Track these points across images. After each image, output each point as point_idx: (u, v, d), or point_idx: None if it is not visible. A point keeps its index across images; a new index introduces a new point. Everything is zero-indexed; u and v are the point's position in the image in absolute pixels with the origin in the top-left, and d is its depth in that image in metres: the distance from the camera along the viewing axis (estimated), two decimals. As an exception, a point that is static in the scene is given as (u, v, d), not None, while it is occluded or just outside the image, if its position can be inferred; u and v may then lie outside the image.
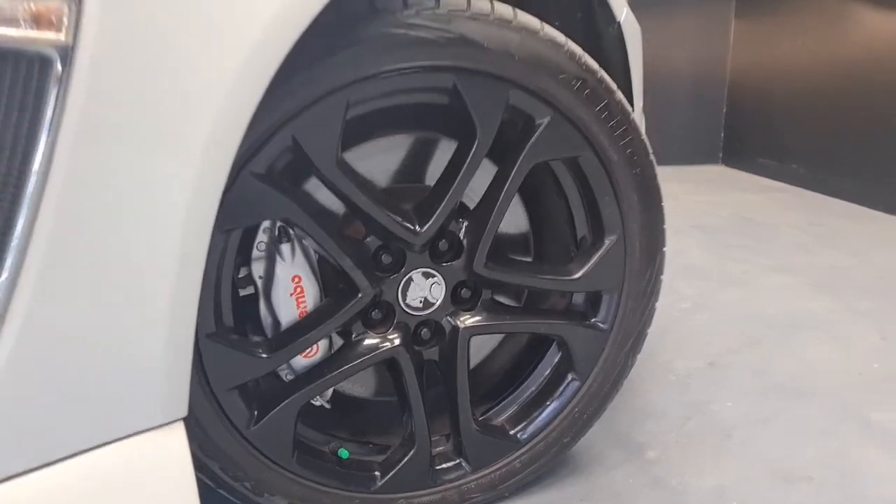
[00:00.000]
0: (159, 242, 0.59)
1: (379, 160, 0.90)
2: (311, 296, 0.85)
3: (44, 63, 0.52)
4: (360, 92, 0.75)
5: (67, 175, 0.54)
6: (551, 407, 0.98)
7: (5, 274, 0.54)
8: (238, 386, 0.80)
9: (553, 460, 1.00)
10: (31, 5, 0.51)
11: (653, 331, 1.00)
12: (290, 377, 0.87)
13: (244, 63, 0.60)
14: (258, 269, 0.83)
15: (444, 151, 0.91)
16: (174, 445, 0.66)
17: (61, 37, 0.52)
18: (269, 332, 0.85)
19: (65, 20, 0.52)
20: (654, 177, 0.92)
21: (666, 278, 0.98)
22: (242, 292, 0.85)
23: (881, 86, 2.76)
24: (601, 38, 1.00)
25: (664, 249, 0.96)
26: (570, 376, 0.97)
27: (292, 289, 0.84)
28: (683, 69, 3.80)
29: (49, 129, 0.53)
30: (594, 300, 0.96)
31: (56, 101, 0.53)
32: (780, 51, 3.43)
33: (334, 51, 0.72)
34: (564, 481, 1.05)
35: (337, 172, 0.77)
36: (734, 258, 2.16)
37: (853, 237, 2.42)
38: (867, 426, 1.22)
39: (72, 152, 0.53)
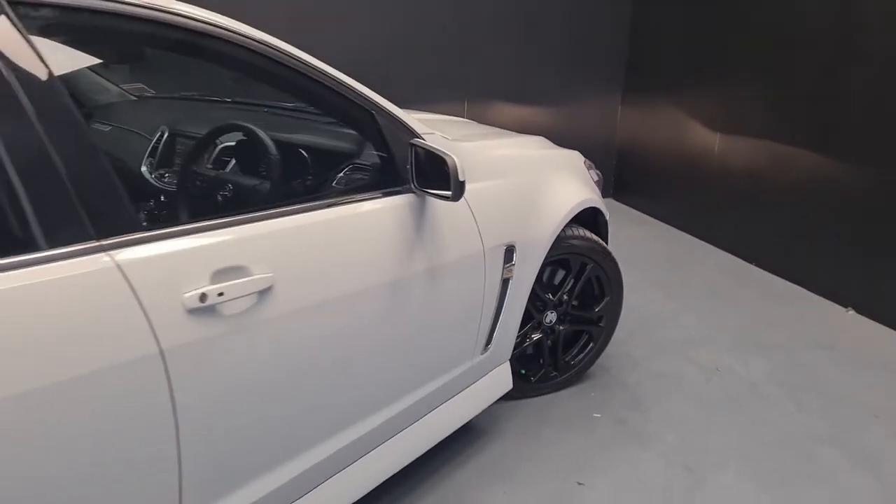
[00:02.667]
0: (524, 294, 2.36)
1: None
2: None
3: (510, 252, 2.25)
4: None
5: (516, 282, 2.28)
6: (584, 354, 2.83)
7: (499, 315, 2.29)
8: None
9: (584, 371, 2.85)
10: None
11: (617, 326, 2.87)
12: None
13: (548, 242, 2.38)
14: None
15: (560, 274, 2.71)
16: (507, 364, 2.45)
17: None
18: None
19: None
20: (619, 274, 2.77)
21: (622, 308, 2.85)
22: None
23: (710, 153, 4.79)
24: (598, 223, 2.83)
25: (623, 299, 2.83)
26: (591, 343, 2.82)
27: (515, 319, 2.63)
28: (588, 134, 5.73)
29: (506, 269, 2.25)
30: (600, 318, 2.80)
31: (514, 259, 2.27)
32: (649, 125, 5.43)
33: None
34: (582, 382, 2.91)
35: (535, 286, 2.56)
36: (635, 277, 4.08)
37: (690, 262, 4.43)
38: (684, 355, 3.15)
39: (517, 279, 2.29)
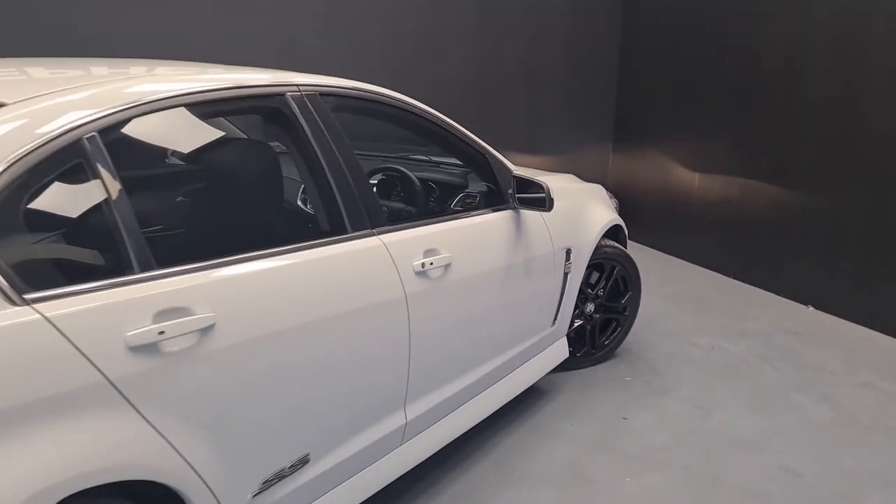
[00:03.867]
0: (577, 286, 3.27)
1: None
2: (568, 309, 3.55)
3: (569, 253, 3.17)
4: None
5: (572, 275, 3.19)
6: (613, 336, 3.73)
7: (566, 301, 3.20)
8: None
9: (614, 350, 3.76)
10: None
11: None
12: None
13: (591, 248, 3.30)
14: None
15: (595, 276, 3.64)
16: (564, 339, 3.34)
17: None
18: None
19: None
20: (638, 274, 3.70)
21: (640, 301, 3.78)
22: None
23: (691, 189, 5.81)
24: (619, 237, 3.78)
25: (641, 295, 3.76)
26: (618, 328, 3.74)
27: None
28: (584, 178, 6.72)
29: (566, 265, 3.16)
30: (625, 308, 3.72)
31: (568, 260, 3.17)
32: (637, 170, 6.45)
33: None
34: (612, 359, 3.81)
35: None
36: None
37: (679, 278, 5.40)
38: (686, 340, 4.08)
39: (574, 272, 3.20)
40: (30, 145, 1.44)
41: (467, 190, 3.00)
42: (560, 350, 3.31)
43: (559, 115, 6.42)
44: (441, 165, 3.31)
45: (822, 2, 4.50)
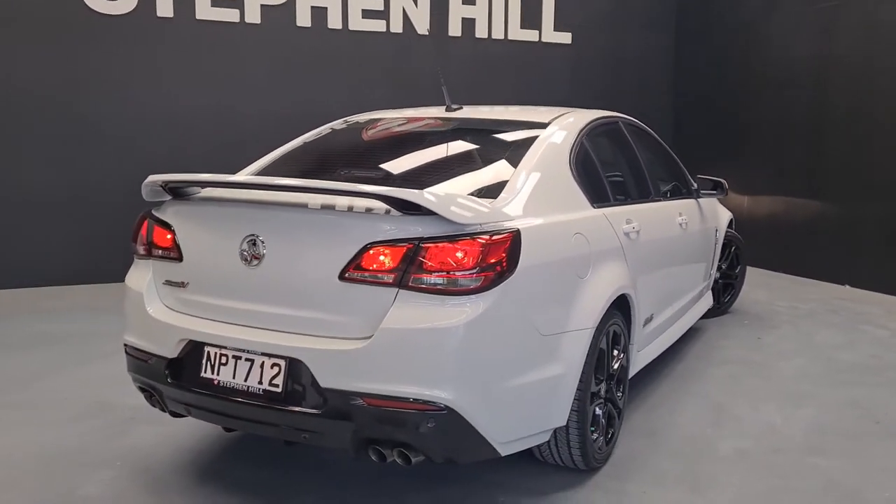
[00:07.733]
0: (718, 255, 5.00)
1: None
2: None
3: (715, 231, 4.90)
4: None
5: (717, 246, 4.91)
6: (730, 296, 5.45)
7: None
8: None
9: (730, 307, 5.47)
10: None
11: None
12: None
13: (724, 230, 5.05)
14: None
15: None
16: (710, 292, 5.04)
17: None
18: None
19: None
20: (746, 252, 5.46)
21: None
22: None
23: (742, 208, 7.64)
24: (732, 226, 5.54)
25: (747, 267, 5.51)
26: (734, 289, 5.46)
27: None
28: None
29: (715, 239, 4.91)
30: (737, 276, 5.44)
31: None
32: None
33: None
34: (729, 313, 5.52)
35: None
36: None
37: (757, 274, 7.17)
38: (771, 305, 5.81)
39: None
40: (572, 137, 3.14)
41: (665, 188, 4.72)
42: (709, 299, 5.00)
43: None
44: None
45: (837, 77, 6.46)
